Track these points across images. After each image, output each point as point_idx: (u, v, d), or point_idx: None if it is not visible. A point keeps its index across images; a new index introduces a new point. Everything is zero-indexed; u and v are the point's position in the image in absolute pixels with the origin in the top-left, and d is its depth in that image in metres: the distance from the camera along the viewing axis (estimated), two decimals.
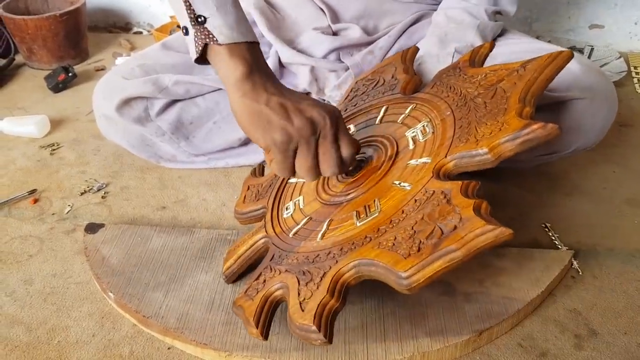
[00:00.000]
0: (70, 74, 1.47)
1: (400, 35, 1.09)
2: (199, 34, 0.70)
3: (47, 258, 0.92)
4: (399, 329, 0.76)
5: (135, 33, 1.88)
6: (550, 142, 0.66)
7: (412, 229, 0.63)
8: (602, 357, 0.75)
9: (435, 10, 1.08)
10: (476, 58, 0.84)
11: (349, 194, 0.77)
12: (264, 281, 0.72)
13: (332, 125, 0.71)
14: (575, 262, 0.89)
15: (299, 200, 0.83)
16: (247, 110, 0.70)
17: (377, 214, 0.70)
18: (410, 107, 0.83)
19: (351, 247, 0.67)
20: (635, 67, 1.56)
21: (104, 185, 1.10)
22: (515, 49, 1.00)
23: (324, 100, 1.10)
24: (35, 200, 1.05)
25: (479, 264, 0.86)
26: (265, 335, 0.68)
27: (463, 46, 0.99)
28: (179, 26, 1.68)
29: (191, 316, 0.78)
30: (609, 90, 0.96)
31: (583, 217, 1.01)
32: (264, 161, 1.02)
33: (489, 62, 0.85)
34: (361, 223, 0.70)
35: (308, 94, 1.10)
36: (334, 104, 1.09)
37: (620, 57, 1.57)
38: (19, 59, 1.61)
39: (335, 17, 1.10)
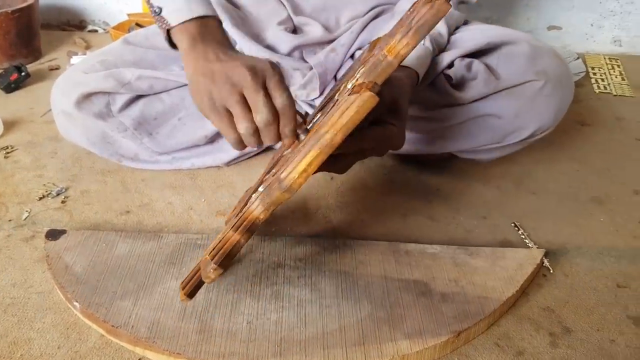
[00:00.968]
0: (23, 74, 1.41)
1: (362, 31, 1.09)
2: (159, 23, 0.81)
3: (5, 267, 0.88)
4: (377, 331, 0.75)
5: (90, 31, 1.83)
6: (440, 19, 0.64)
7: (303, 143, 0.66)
8: (576, 354, 0.76)
9: (393, 3, 1.08)
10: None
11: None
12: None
13: (256, 80, 0.71)
14: (546, 261, 0.90)
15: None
16: (189, 80, 0.76)
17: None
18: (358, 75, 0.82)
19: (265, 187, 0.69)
20: (593, 68, 1.60)
21: (64, 190, 1.05)
22: (476, 33, 1.03)
23: None
24: None
25: (453, 263, 0.86)
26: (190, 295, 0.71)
27: (431, 35, 0.99)
28: (137, 24, 1.64)
29: (163, 325, 0.75)
30: (563, 73, 0.99)
31: (551, 216, 1.02)
32: None
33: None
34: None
35: None
36: (302, 104, 1.08)
37: (578, 58, 1.61)
38: None
39: (297, 10, 1.09)
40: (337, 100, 0.73)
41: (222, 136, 1.11)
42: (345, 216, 1.00)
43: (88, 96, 1.02)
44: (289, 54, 1.08)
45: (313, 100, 1.08)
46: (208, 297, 0.80)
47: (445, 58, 1.00)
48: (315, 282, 0.82)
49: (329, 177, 1.09)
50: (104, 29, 1.82)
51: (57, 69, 1.52)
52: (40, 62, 1.57)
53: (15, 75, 1.40)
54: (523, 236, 0.96)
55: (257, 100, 0.71)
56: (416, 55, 0.91)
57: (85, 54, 1.59)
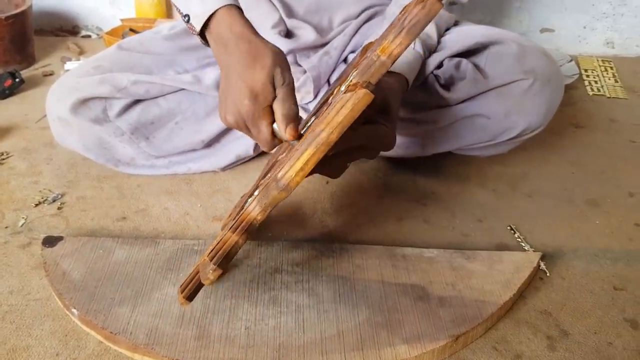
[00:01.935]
0: (17, 80, 1.41)
1: (354, 34, 1.09)
2: (190, 30, 0.83)
3: (2, 274, 0.87)
4: (375, 336, 0.75)
5: (84, 37, 1.82)
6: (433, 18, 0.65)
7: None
8: (574, 357, 0.76)
9: (386, 4, 1.08)
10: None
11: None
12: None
13: (255, 108, 0.75)
14: (542, 264, 0.90)
15: None
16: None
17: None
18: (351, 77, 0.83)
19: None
20: (586, 70, 1.60)
21: (60, 196, 1.05)
22: (465, 33, 1.04)
23: None
24: None
25: (450, 267, 0.86)
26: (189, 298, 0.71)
27: (420, 38, 0.99)
28: (131, 29, 1.63)
29: (161, 331, 0.75)
30: (552, 72, 0.99)
31: (546, 219, 1.02)
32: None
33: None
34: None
35: None
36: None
37: (571, 60, 1.62)
38: None
39: (289, 12, 1.09)
40: (331, 102, 0.74)
41: (218, 141, 1.11)
42: (341, 220, 1.00)
43: (84, 101, 1.01)
44: None
45: (307, 103, 1.08)
46: (206, 303, 0.80)
47: (435, 58, 1.00)
48: (313, 287, 0.82)
49: (325, 182, 1.09)
50: (98, 35, 1.81)
51: (51, 74, 1.52)
52: (34, 67, 1.56)
53: (9, 82, 1.39)
54: (519, 239, 0.96)
55: (254, 132, 0.77)
56: (406, 60, 0.92)
57: (79, 60, 1.58)
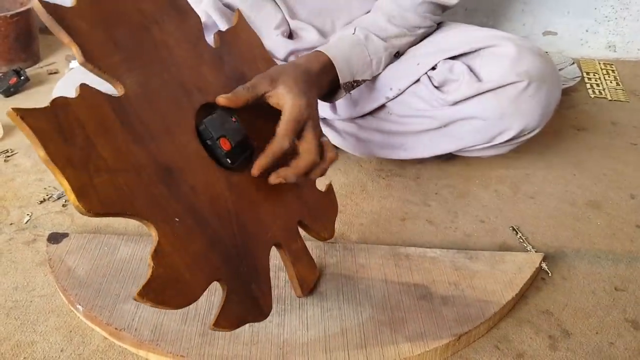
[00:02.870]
0: (22, 78, 1.41)
1: None
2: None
3: (7, 270, 0.88)
4: (379, 334, 0.75)
5: None
6: None
7: None
8: (576, 357, 0.77)
9: None
10: None
11: None
12: None
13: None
14: (544, 264, 0.90)
15: None
16: None
17: None
18: None
19: None
20: (588, 73, 1.61)
21: (64, 193, 1.06)
22: (461, 34, 1.05)
23: None
24: None
25: (453, 266, 0.87)
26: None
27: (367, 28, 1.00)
28: None
29: (166, 327, 0.76)
30: (548, 73, 0.98)
31: (548, 220, 1.03)
32: None
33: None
34: None
35: None
36: None
37: (573, 63, 1.62)
38: None
39: (293, 14, 1.10)
40: None
41: None
42: (344, 220, 1.01)
43: None
44: (285, 59, 1.09)
45: None
46: (211, 299, 0.80)
47: (430, 60, 1.01)
48: (317, 285, 0.83)
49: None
50: None
51: (55, 72, 1.52)
52: (39, 66, 1.57)
53: (14, 79, 1.40)
54: (521, 240, 0.97)
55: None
56: (337, 44, 0.94)
57: None
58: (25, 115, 0.50)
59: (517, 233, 0.99)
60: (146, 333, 0.75)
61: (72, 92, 1.02)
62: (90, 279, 0.83)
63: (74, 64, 1.54)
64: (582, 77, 1.58)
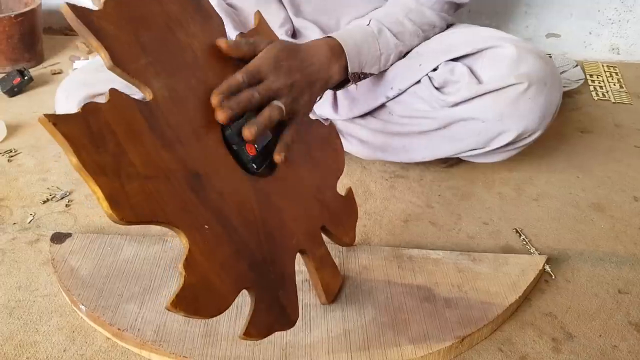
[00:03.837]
0: (26, 78, 1.41)
1: None
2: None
3: (10, 270, 0.88)
4: (381, 336, 0.75)
5: None
6: None
7: None
8: (579, 359, 0.76)
9: None
10: None
11: None
12: None
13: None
14: (547, 267, 0.90)
15: None
16: None
17: None
18: None
19: None
20: (591, 76, 1.61)
21: (68, 193, 1.06)
22: (463, 36, 1.04)
23: None
24: None
25: (456, 268, 0.87)
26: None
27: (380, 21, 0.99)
28: None
29: (169, 328, 0.76)
30: (548, 75, 0.98)
31: (552, 222, 1.03)
32: None
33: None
34: None
35: None
36: None
37: (577, 65, 1.62)
38: None
39: (297, 12, 1.10)
40: None
41: None
42: None
43: (93, 97, 1.02)
44: None
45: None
46: None
47: (432, 61, 1.01)
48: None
49: None
50: None
51: (59, 73, 1.53)
52: (43, 66, 1.57)
53: (18, 79, 1.40)
54: (525, 242, 0.97)
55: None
56: (351, 34, 0.93)
57: (87, 59, 1.59)
58: (57, 121, 0.49)
59: (520, 235, 0.99)
60: (149, 333, 0.75)
61: (73, 93, 1.03)
62: (93, 279, 0.83)
63: (78, 64, 1.54)
64: (586, 80, 1.58)
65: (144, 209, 0.52)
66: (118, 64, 0.56)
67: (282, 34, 1.07)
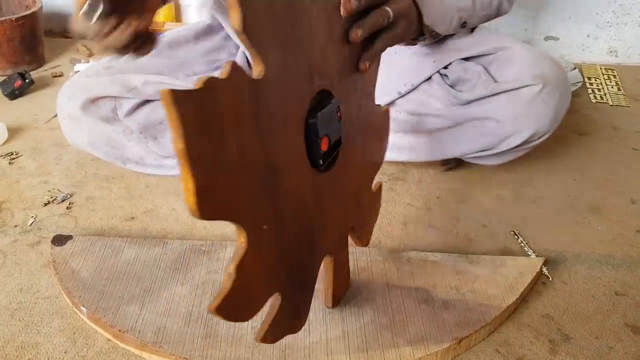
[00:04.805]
0: (27, 80, 1.42)
1: None
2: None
3: (12, 272, 0.89)
4: (380, 338, 0.76)
5: None
6: None
7: None
8: None
9: None
10: None
11: None
12: None
13: None
14: (545, 269, 0.91)
15: None
16: None
17: None
18: None
19: None
20: (589, 78, 1.62)
21: (69, 196, 1.06)
22: (477, 38, 1.04)
23: None
24: None
25: (454, 270, 0.87)
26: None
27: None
28: None
29: (169, 330, 0.76)
30: (561, 78, 1.00)
31: (549, 224, 1.03)
32: None
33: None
34: None
35: None
36: None
37: (575, 68, 1.63)
38: None
39: None
40: None
41: None
42: None
43: (94, 100, 1.03)
44: None
45: None
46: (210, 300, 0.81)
47: (445, 58, 1.01)
48: (318, 289, 0.83)
49: None
50: None
51: (60, 76, 1.53)
52: (44, 69, 1.58)
53: (19, 82, 1.41)
54: (522, 244, 0.98)
55: None
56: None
57: (88, 62, 1.60)
58: (177, 100, 0.41)
59: (518, 237, 0.99)
60: (149, 335, 0.75)
61: (74, 96, 1.04)
62: (94, 281, 0.83)
63: (79, 67, 1.55)
64: (584, 82, 1.58)
65: (225, 205, 0.47)
66: (246, 30, 0.46)
67: None
